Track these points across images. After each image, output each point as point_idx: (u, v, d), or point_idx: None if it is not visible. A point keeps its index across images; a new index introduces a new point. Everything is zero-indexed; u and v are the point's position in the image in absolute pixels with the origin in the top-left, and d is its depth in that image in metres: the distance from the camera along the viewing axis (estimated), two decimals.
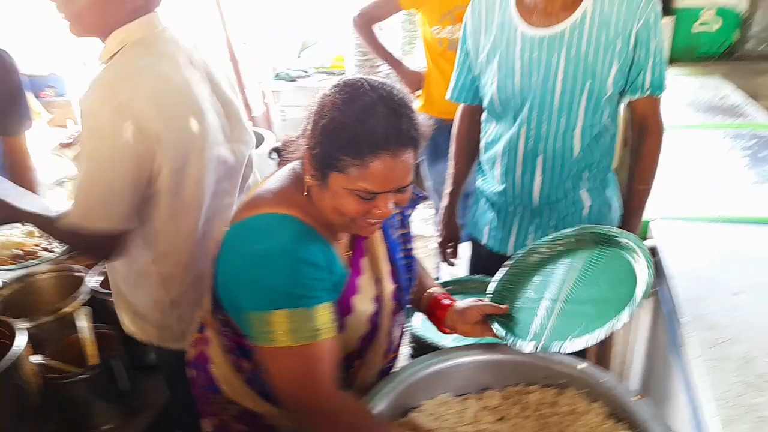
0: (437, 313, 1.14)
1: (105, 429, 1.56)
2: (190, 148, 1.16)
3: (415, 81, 2.53)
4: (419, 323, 1.46)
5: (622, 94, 1.39)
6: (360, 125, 0.82)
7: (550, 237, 1.21)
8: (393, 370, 1.14)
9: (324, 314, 0.88)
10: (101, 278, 1.65)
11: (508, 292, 1.15)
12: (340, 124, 0.83)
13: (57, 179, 2.27)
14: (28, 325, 1.45)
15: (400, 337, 1.15)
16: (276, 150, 1.11)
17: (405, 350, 1.36)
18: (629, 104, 1.42)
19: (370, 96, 0.84)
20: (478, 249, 1.67)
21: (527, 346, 1.01)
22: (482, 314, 1.09)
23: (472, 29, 1.46)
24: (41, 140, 2.54)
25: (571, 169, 1.43)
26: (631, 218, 1.49)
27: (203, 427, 1.15)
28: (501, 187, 1.51)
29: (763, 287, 1.26)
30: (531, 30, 1.34)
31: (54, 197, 2.12)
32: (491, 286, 1.17)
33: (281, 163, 1.07)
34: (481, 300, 1.12)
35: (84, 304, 1.60)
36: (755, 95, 2.42)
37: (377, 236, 1.04)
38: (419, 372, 1.07)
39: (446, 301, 1.14)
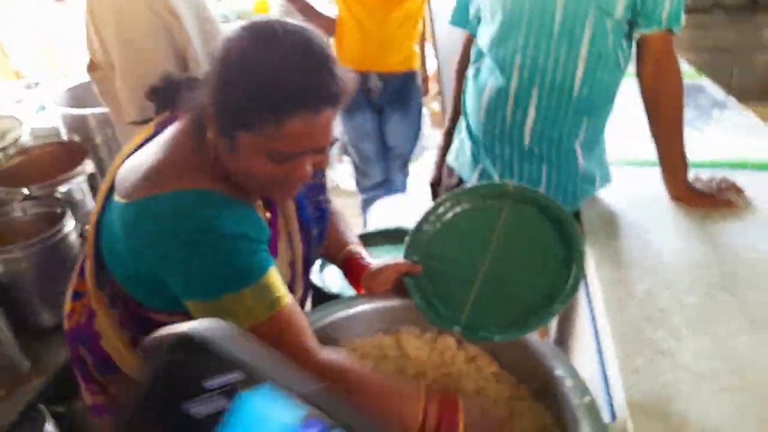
0: (353, 273, 1.09)
1: None
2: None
3: (328, 27, 2.39)
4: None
5: (631, 26, 1.22)
6: (275, 78, 0.72)
7: (472, 186, 1.10)
8: None
9: (274, 278, 0.80)
10: None
11: (428, 245, 1.07)
12: (250, 76, 0.72)
13: None
14: None
15: (308, 292, 1.10)
16: (155, 90, 0.96)
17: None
18: (640, 42, 1.25)
19: (285, 43, 0.73)
20: None
21: (450, 327, 0.98)
22: (397, 273, 1.03)
23: None
24: None
25: (569, 108, 1.27)
26: (672, 187, 1.33)
27: (84, 399, 1.05)
28: (488, 124, 1.36)
29: (669, 227, 1.27)
30: None
31: None
32: (409, 239, 1.08)
33: (161, 109, 0.95)
34: (397, 259, 1.06)
35: None
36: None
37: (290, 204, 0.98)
38: (325, 318, 1.02)
39: (363, 262, 1.08)
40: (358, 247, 1.13)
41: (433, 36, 3.88)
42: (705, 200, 1.30)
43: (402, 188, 2.89)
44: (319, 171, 1.04)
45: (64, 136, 1.97)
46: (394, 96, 2.54)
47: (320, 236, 1.06)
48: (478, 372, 0.97)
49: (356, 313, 1.04)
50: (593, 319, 1.14)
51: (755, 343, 0.94)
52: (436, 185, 1.65)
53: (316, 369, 0.77)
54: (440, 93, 4.00)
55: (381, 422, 0.78)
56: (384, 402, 0.81)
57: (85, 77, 1.72)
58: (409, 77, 2.56)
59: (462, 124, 1.49)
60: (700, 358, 0.92)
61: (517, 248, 1.03)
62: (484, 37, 1.34)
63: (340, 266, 1.13)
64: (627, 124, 1.55)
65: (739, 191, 1.30)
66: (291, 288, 0.97)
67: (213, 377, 0.51)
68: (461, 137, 1.49)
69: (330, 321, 1.02)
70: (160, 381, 0.54)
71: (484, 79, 1.35)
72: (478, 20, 1.40)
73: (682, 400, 0.84)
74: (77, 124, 1.95)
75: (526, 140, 1.33)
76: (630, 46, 1.27)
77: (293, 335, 0.80)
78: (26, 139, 1.81)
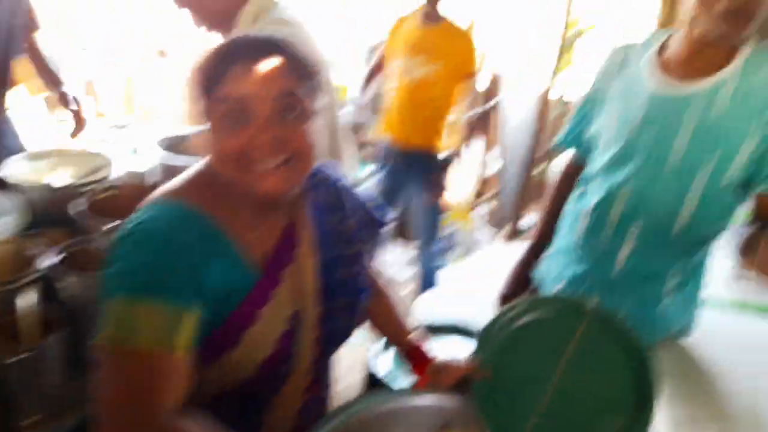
0: (417, 364, 1.05)
1: (24, 425, 1.41)
2: None
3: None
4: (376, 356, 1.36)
5: (748, 184, 1.19)
6: (220, 50, 0.80)
7: (551, 296, 1.10)
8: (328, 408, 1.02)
9: (193, 321, 0.74)
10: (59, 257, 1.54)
11: (499, 348, 1.02)
12: (204, 62, 0.80)
13: None
14: None
15: (327, 369, 1.03)
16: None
17: (351, 382, 1.26)
18: (757, 199, 1.21)
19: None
20: None
21: None
22: (465, 371, 0.99)
23: (604, 74, 1.36)
24: None
25: (667, 247, 1.25)
26: None
27: None
28: (580, 249, 1.35)
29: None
30: (665, 83, 1.22)
31: None
32: (481, 337, 1.03)
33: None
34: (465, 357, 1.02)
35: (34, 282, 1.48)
36: None
37: (307, 247, 0.91)
38: (374, 409, 0.91)
39: (429, 354, 1.05)
40: (419, 336, 1.09)
41: (500, 139, 3.99)
42: None
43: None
44: (359, 238, 1.00)
45: (151, 179, 2.07)
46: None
47: (352, 308, 0.98)
48: None
49: (407, 407, 0.95)
50: None
51: None
52: (507, 299, 1.59)
53: (160, 421, 0.69)
54: (499, 194, 4.05)
55: None
56: None
57: (178, 126, 1.82)
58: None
59: (554, 245, 1.48)
60: None
61: (588, 371, 0.98)
62: (596, 163, 1.34)
63: (402, 354, 1.09)
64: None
65: None
66: (288, 349, 0.86)
67: None
68: (551, 257, 1.48)
69: (377, 412, 0.91)
70: None
71: (588, 202, 1.34)
72: (589, 147, 1.39)
73: None
74: (172, 171, 2.02)
75: (614, 271, 1.30)
76: (744, 200, 1.23)
77: (156, 385, 0.70)
78: (114, 177, 1.91)
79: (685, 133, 1.17)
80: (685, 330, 1.36)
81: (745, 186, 1.20)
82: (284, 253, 0.88)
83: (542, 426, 0.95)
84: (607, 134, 1.31)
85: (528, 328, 1.03)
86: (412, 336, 1.09)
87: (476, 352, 1.02)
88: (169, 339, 0.71)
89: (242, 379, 0.84)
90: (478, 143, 4.17)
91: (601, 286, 1.33)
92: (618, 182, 1.26)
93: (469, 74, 2.75)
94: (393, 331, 1.11)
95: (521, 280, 1.57)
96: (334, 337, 0.96)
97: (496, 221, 4.07)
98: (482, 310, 1.46)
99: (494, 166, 4.11)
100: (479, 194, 4.27)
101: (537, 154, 3.58)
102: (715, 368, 1.23)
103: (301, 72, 0.81)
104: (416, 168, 2.84)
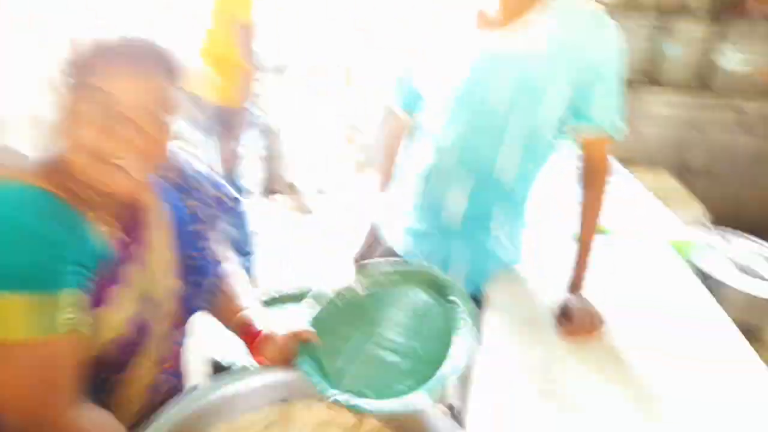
0: (248, 339, 1.03)
1: None
2: None
3: None
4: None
5: (567, 126, 1.24)
6: (100, 43, 0.76)
7: (387, 267, 1.13)
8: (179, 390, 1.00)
9: (69, 301, 0.74)
10: None
11: (328, 318, 1.05)
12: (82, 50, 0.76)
13: None
14: None
15: (180, 346, 1.01)
16: None
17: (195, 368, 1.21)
18: (578, 144, 1.27)
19: None
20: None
21: (329, 392, 0.92)
22: (295, 341, 0.98)
23: (423, 30, 1.34)
24: None
25: (492, 190, 1.30)
26: (573, 283, 1.31)
27: None
28: (418, 203, 1.38)
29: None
30: (482, 35, 1.22)
31: None
32: (309, 310, 1.05)
33: None
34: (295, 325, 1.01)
35: None
36: None
37: (160, 222, 0.91)
38: (211, 393, 0.91)
39: (254, 329, 1.02)
40: (252, 311, 1.05)
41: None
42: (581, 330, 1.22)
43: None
44: (205, 217, 1.00)
45: None
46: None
47: (200, 284, 0.99)
48: None
49: (245, 387, 0.95)
50: (488, 385, 1.13)
51: (628, 419, 0.98)
52: (360, 260, 1.58)
53: (62, 408, 0.75)
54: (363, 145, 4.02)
55: None
56: None
57: None
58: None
59: (395, 196, 1.50)
60: None
61: (408, 323, 1.04)
62: (423, 115, 1.36)
63: (234, 330, 1.05)
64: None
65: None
66: (142, 327, 0.88)
67: None
68: (389, 207, 1.51)
69: (215, 397, 0.92)
70: None
71: (419, 155, 1.36)
72: (415, 98, 1.41)
73: None
74: None
75: (445, 217, 1.35)
76: (559, 141, 1.30)
77: (58, 374, 0.74)
78: None
79: (503, 81, 1.19)
80: (515, 259, 1.46)
81: (562, 129, 1.25)
82: (134, 235, 0.88)
83: (362, 376, 0.96)
84: (430, 88, 1.32)
85: (356, 298, 1.09)
86: (243, 314, 1.06)
87: (309, 318, 1.03)
88: (58, 323, 0.73)
89: (92, 356, 0.84)
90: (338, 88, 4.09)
91: (435, 233, 1.38)
92: (444, 135, 1.29)
93: (244, 23, 2.62)
94: (229, 313, 1.08)
95: (372, 241, 1.59)
96: (184, 313, 0.97)
97: (363, 172, 4.06)
98: (333, 274, 1.52)
99: (358, 117, 4.07)
100: (346, 145, 4.23)
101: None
102: (546, 295, 1.32)
103: (172, 75, 0.82)
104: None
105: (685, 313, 1.29)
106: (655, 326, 1.22)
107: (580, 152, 1.29)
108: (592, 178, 1.28)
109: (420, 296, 1.07)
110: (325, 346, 1.00)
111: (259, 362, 1.01)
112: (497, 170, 1.27)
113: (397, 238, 1.46)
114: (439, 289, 1.07)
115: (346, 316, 1.06)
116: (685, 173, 3.30)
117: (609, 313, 1.21)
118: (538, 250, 1.48)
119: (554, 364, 1.10)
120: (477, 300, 1.37)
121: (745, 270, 2.26)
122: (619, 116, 1.22)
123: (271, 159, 3.79)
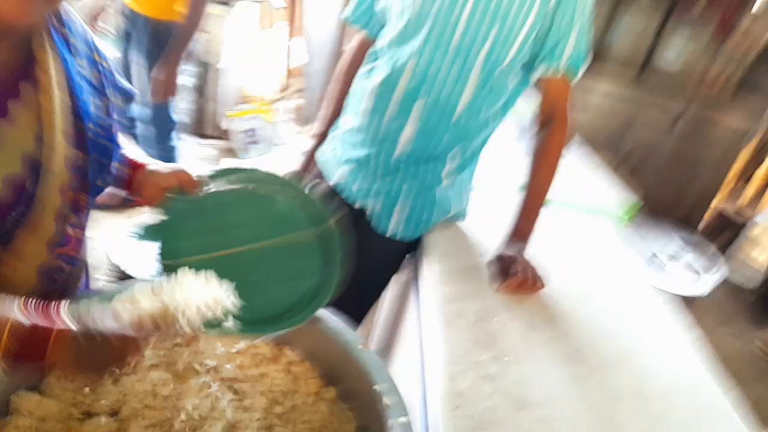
0: (129, 174, 0.94)
1: None
2: None
3: None
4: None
5: (530, 65, 1.18)
6: None
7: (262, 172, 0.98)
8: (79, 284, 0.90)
9: None
10: None
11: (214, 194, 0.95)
12: None
13: None
14: None
15: (81, 232, 0.88)
16: None
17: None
18: (537, 85, 1.20)
19: None
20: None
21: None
22: (176, 181, 0.92)
23: None
24: None
25: (445, 132, 1.22)
26: (517, 229, 1.22)
27: None
28: (364, 130, 1.27)
29: None
30: None
31: None
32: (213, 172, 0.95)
33: None
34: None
35: None
36: None
37: (50, 87, 0.77)
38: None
39: (140, 161, 0.95)
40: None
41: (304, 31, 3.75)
42: (518, 285, 1.14)
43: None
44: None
45: None
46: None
47: (101, 162, 0.86)
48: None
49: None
50: (421, 334, 1.07)
51: (564, 374, 0.94)
52: None
53: None
54: (304, 89, 3.87)
55: None
56: None
57: None
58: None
59: (338, 124, 1.38)
60: (520, 385, 0.88)
61: (285, 248, 0.94)
62: (385, 38, 1.24)
63: (121, 183, 0.94)
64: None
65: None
66: (24, 193, 0.76)
67: None
68: (335, 138, 1.39)
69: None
70: None
71: (374, 79, 1.25)
72: (379, 23, 1.30)
73: (502, 428, 0.80)
74: None
75: (396, 153, 1.25)
76: (521, 90, 1.24)
77: None
78: None
79: (466, 10, 1.12)
80: (461, 213, 1.40)
81: (525, 68, 1.19)
82: (15, 88, 0.75)
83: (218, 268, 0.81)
84: (394, 8, 1.23)
85: (246, 192, 0.96)
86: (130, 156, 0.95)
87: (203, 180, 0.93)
88: None
89: None
90: (281, 29, 3.89)
91: (384, 169, 1.29)
92: (403, 59, 1.20)
93: None
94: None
95: (311, 165, 1.48)
96: (84, 193, 0.84)
97: (302, 119, 3.91)
98: None
99: (300, 59, 3.89)
100: (285, 88, 4.04)
101: (344, 46, 3.44)
102: (487, 247, 1.26)
103: None
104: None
105: (621, 282, 1.29)
106: (589, 290, 1.21)
107: (540, 98, 1.21)
108: (550, 122, 1.20)
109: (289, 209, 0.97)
110: (198, 221, 0.92)
111: (138, 203, 0.95)
112: (455, 103, 1.19)
113: (334, 168, 1.36)
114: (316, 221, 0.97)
115: (228, 202, 0.96)
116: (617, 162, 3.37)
117: (547, 274, 1.18)
118: (482, 209, 1.43)
119: (491, 316, 1.05)
120: (413, 246, 1.33)
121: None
122: (583, 58, 1.17)
123: (204, 97, 3.54)
